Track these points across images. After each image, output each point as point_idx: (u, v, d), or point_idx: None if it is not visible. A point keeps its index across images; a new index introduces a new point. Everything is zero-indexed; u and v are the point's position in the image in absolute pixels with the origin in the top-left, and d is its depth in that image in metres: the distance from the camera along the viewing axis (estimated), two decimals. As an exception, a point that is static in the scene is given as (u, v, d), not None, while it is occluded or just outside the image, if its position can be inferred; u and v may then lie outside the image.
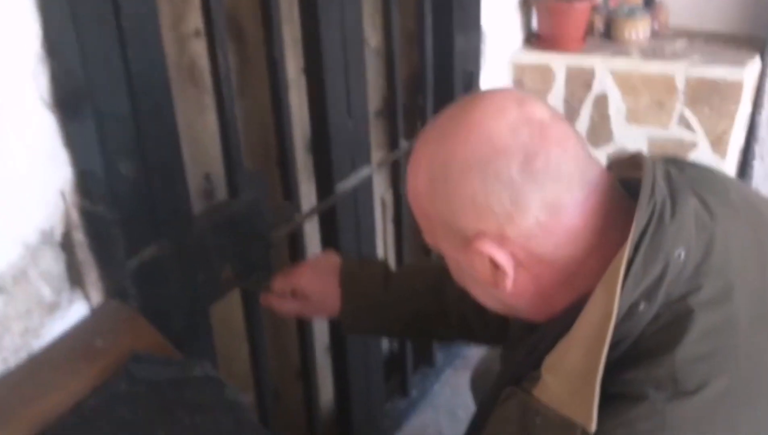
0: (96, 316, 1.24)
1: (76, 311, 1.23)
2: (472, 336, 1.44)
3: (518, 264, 0.95)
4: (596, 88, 2.49)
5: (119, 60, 1.14)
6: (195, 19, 1.66)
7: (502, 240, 0.92)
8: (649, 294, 0.88)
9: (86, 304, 1.24)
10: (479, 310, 1.20)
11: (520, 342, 1.10)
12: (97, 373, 1.13)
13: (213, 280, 1.42)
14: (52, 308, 1.19)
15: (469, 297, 1.12)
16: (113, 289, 1.26)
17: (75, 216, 1.20)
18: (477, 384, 1.70)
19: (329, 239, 1.81)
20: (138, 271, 1.25)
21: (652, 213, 0.89)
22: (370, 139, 1.82)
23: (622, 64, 2.38)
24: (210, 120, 1.68)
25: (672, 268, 0.89)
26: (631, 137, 2.50)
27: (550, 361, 0.95)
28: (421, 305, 1.43)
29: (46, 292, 1.18)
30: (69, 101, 1.12)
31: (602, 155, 2.59)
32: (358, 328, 1.48)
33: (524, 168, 0.89)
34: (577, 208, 0.91)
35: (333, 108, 1.67)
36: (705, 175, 1.09)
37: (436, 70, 2.12)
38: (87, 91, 1.10)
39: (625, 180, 1.01)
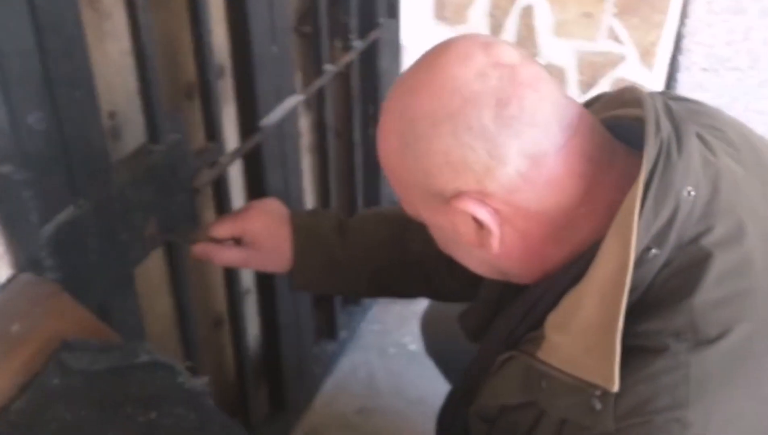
0: (8, 295, 1.04)
1: (-18, 291, 1.04)
2: (437, 293, 1.33)
3: (503, 221, 0.89)
4: (521, 0, 2.36)
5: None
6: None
7: (483, 197, 0.87)
8: (660, 238, 0.84)
9: (-6, 281, 1.05)
10: (447, 264, 1.13)
11: (507, 303, 1.01)
12: (19, 366, 0.95)
13: (137, 239, 1.24)
14: (-45, 290, 1.00)
15: (435, 249, 1.04)
16: (25, 261, 1.07)
17: (-24, 178, 1.00)
18: (430, 329, 1.60)
19: (254, 181, 1.64)
20: (55, 238, 1.07)
21: (659, 150, 0.84)
22: (294, 66, 1.65)
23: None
24: (111, 49, 1.47)
25: (683, 209, 0.84)
26: (559, 51, 2.39)
27: (556, 319, 0.90)
28: (381, 262, 1.30)
29: (-53, 273, 0.98)
30: (-41, 41, 0.92)
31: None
32: (309, 286, 1.34)
33: (498, 115, 0.83)
34: (558, 153, 0.85)
35: (256, 31, 1.48)
36: (701, 110, 1.02)
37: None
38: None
39: (608, 119, 0.95)
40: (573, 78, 2.41)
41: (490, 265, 0.97)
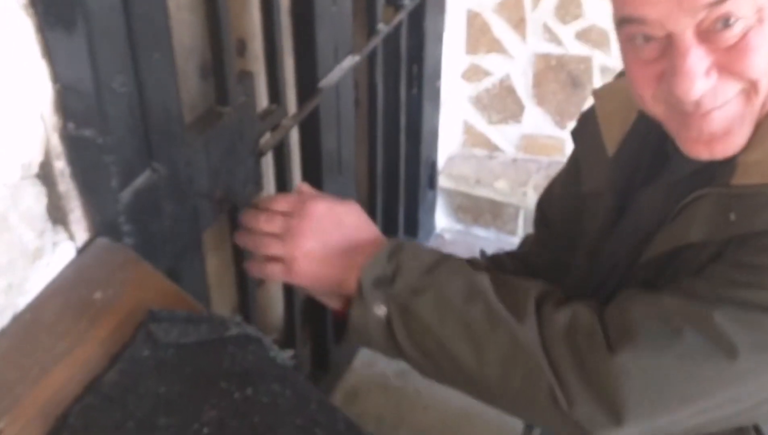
0: (86, 260, 1.03)
1: (61, 256, 1.02)
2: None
3: None
4: (568, -41, 2.32)
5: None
6: None
7: None
8: None
9: (72, 246, 1.03)
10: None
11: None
12: (107, 335, 0.94)
13: (206, 203, 1.22)
14: (36, 255, 0.98)
15: None
16: (102, 226, 1.05)
17: (56, 142, 0.97)
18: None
19: (310, 143, 1.61)
20: (132, 203, 1.05)
21: None
22: (351, 25, 1.61)
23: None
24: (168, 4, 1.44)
25: None
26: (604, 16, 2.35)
27: (752, 141, 0.89)
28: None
29: (29, 237, 0.96)
30: (51, 1, 0.88)
31: (571, 32, 2.44)
32: None
33: None
34: None
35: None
36: None
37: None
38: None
39: None
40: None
41: None
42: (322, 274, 1.01)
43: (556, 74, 2.55)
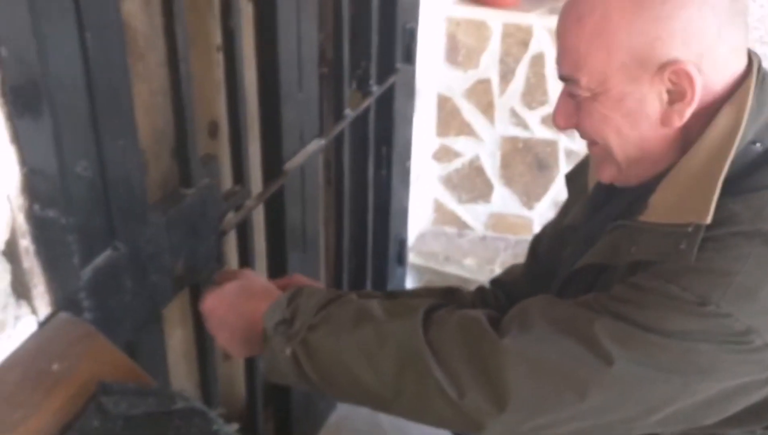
0: (47, 334, 1.08)
1: (23, 328, 1.07)
2: None
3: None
4: (533, 48, 2.42)
5: (77, 45, 0.98)
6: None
7: (697, 70, 0.96)
8: (762, 134, 1.00)
9: (34, 320, 1.08)
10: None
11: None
12: (60, 406, 0.99)
13: (166, 280, 1.28)
14: (-1, 328, 1.03)
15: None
16: (63, 301, 1.10)
17: (22, 221, 1.03)
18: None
19: (274, 220, 1.67)
20: (92, 280, 1.11)
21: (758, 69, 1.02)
22: (318, 110, 1.69)
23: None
24: (142, 90, 1.51)
25: None
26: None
27: (661, 185, 1.03)
28: None
29: (-8, 311, 1.02)
30: (20, 92, 0.95)
31: (536, 117, 2.54)
32: None
33: (733, 5, 0.97)
34: (744, 54, 1.01)
35: (285, 74, 1.53)
36: None
37: (379, 27, 1.98)
38: (42, 81, 0.94)
39: None
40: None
41: (638, 147, 1.04)
42: (234, 340, 1.19)
43: (523, 156, 2.64)
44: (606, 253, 1.07)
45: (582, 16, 0.99)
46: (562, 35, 1.03)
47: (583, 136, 1.10)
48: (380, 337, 1.05)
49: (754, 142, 0.99)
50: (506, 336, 1.00)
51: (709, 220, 0.94)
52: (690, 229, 0.95)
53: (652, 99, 0.99)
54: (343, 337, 1.07)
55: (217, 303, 1.21)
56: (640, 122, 1.02)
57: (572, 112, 1.07)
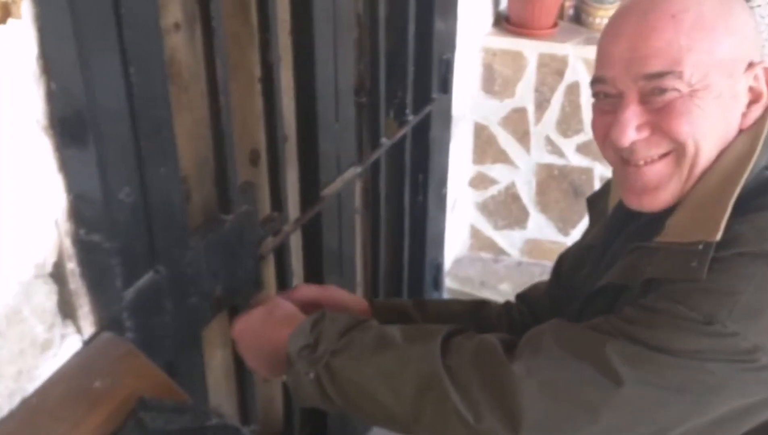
0: (90, 352, 1.13)
1: (68, 347, 1.12)
2: None
3: None
4: (568, 77, 2.45)
5: (121, 78, 1.03)
6: (174, 12, 1.53)
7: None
8: None
9: (79, 339, 1.14)
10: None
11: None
12: (101, 421, 1.04)
13: (205, 302, 1.33)
14: (45, 346, 1.09)
15: (507, 323, 1.35)
16: (107, 321, 1.15)
17: (68, 245, 1.09)
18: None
19: (311, 246, 1.72)
20: (134, 301, 1.16)
21: None
22: (354, 139, 1.74)
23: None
24: (186, 119, 1.57)
25: None
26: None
27: (678, 208, 1.07)
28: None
29: (40, 330, 1.07)
30: (67, 124, 1.01)
31: (572, 145, 2.57)
32: None
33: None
34: None
35: (322, 103, 1.58)
36: None
37: (415, 58, 2.03)
38: (88, 113, 0.99)
39: None
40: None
41: (719, 150, 1.05)
42: (261, 363, 1.27)
43: (559, 183, 2.67)
44: (625, 273, 1.09)
45: (677, 13, 1.01)
46: (648, 34, 1.01)
47: (654, 147, 1.05)
48: (400, 362, 1.09)
49: (766, 168, 1.03)
50: (519, 361, 1.02)
51: (718, 237, 0.97)
52: (700, 247, 0.97)
53: (742, 97, 1.05)
54: (364, 362, 1.11)
55: (244, 328, 1.28)
56: (732, 122, 1.05)
57: (646, 119, 1.04)
